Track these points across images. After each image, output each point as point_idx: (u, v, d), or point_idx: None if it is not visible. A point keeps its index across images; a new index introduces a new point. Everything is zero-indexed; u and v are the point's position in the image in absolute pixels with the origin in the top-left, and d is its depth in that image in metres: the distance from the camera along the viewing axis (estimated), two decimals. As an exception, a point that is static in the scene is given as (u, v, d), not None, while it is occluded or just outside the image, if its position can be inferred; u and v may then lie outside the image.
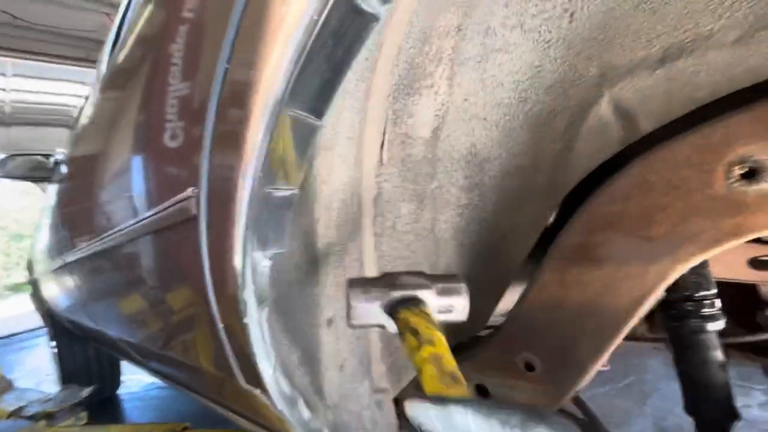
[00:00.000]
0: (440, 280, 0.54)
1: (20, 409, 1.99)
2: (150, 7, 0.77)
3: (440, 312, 0.52)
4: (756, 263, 0.75)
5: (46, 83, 6.04)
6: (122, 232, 0.74)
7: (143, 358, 1.28)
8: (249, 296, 0.42)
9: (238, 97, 0.37)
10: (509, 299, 0.83)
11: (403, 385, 0.77)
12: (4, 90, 5.85)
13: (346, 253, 0.62)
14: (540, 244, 0.73)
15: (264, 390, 0.52)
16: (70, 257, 1.23)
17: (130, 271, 0.80)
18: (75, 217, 1.24)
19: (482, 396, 0.80)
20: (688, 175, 0.51)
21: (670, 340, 0.73)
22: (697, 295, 0.69)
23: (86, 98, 1.48)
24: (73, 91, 6.10)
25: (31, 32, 5.13)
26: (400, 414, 0.82)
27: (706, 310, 0.69)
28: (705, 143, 0.50)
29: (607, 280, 0.60)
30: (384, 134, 0.64)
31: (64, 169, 1.53)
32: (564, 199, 0.68)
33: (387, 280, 0.53)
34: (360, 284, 0.52)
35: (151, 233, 0.63)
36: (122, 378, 2.64)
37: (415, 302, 0.51)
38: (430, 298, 0.52)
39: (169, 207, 0.52)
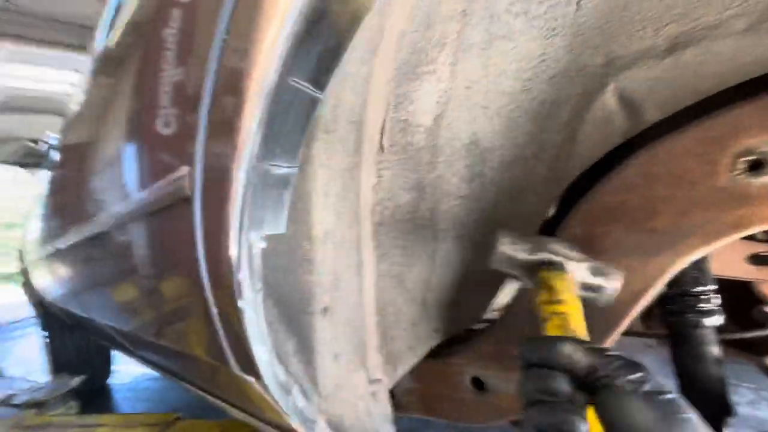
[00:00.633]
0: (593, 260, 0.55)
1: (9, 397, 1.97)
2: None
3: (584, 288, 0.53)
4: (756, 259, 0.75)
5: (41, 70, 5.94)
6: (114, 215, 0.72)
7: (135, 347, 1.26)
8: (244, 278, 0.41)
9: (235, 71, 0.35)
10: (507, 292, 0.82)
11: (399, 376, 0.77)
12: (-3, 76, 5.75)
13: (343, 241, 0.61)
14: (541, 235, 0.72)
15: (258, 377, 0.51)
16: (62, 244, 1.21)
17: (122, 256, 0.78)
18: (67, 203, 1.22)
19: (478, 389, 0.80)
20: (692, 166, 0.50)
21: (667, 334, 0.73)
22: (695, 290, 0.69)
23: (79, 85, 1.45)
24: (69, 79, 6.02)
25: (27, 18, 5.04)
26: (396, 405, 0.81)
27: (703, 306, 0.69)
28: (710, 135, 0.49)
29: (608, 272, 0.59)
30: (385, 120, 0.63)
31: (56, 156, 1.50)
32: (566, 191, 0.68)
33: (539, 242, 0.56)
34: (511, 235, 0.56)
35: (144, 216, 0.61)
36: (113, 368, 2.62)
37: (558, 267, 0.53)
38: (578, 270, 0.53)
39: (162, 188, 0.50)
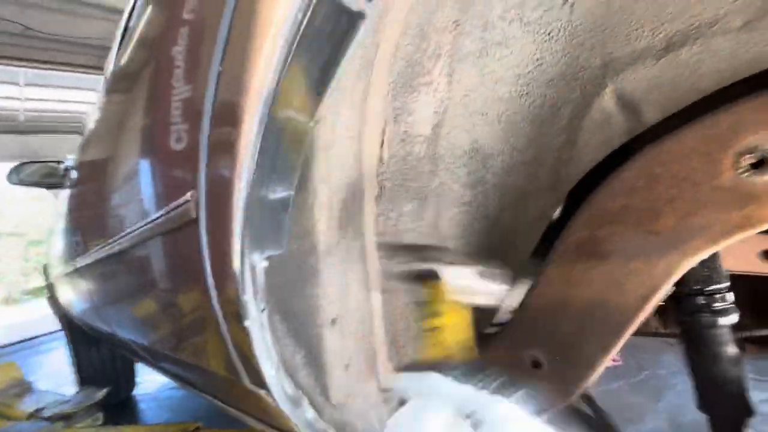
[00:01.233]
0: (478, 262, 0.54)
1: (39, 410, 2.04)
2: (150, 9, 0.78)
3: (471, 294, 0.53)
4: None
5: (58, 91, 6.16)
6: (128, 236, 0.75)
7: (155, 360, 1.30)
8: (249, 298, 0.43)
9: (230, 100, 0.37)
10: (515, 296, 0.82)
11: (410, 384, 0.77)
12: (18, 99, 5.99)
13: (348, 253, 0.62)
14: (545, 239, 0.72)
15: (268, 390, 0.53)
16: (81, 262, 1.25)
17: (139, 275, 0.81)
18: (85, 221, 1.27)
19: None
20: (695, 166, 0.50)
21: (681, 335, 0.72)
22: (708, 289, 0.67)
23: (95, 103, 1.51)
24: (85, 98, 6.23)
25: (43, 42, 5.24)
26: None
27: (717, 305, 0.67)
28: (711, 133, 0.48)
29: (614, 275, 0.58)
30: (384, 132, 0.64)
31: (74, 174, 1.56)
32: (569, 194, 0.67)
33: (417, 251, 0.55)
34: (390, 248, 0.54)
35: (155, 236, 0.63)
36: (138, 379, 2.69)
37: (435, 275, 0.52)
38: (462, 276, 0.53)
39: (171, 210, 0.52)
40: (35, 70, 5.51)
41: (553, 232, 0.71)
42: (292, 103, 0.36)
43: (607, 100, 0.57)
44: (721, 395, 0.65)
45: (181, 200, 0.48)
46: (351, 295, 0.64)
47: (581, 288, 0.63)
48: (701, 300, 0.67)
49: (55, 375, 3.29)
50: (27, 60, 5.29)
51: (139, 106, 0.77)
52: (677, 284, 0.63)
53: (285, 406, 0.53)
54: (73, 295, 1.81)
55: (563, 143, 0.63)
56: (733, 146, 0.47)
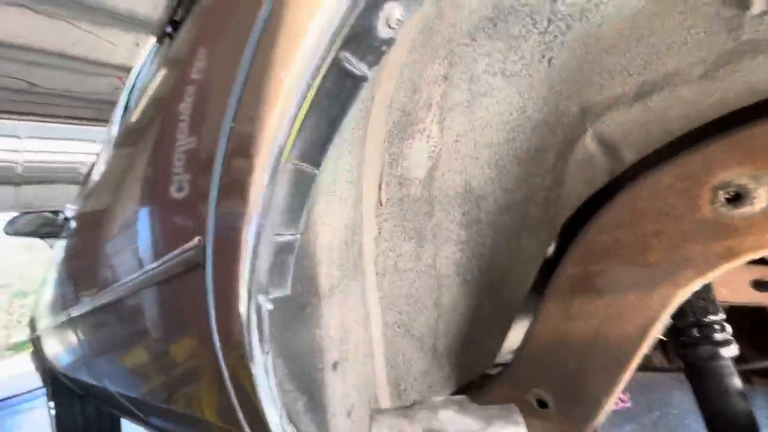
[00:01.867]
0: (493, 420, 0.44)
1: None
2: (163, 71, 0.83)
3: None
4: (760, 285, 0.75)
5: (58, 143, 6.29)
6: (128, 284, 0.75)
7: (145, 413, 1.23)
8: (254, 342, 0.43)
9: (242, 151, 0.40)
10: (517, 335, 0.82)
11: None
12: (17, 151, 6.09)
13: (349, 293, 0.63)
14: (542, 276, 0.73)
15: (270, 440, 0.51)
16: (75, 312, 1.23)
17: (135, 323, 0.80)
18: (81, 270, 1.26)
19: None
20: (675, 201, 0.53)
21: (684, 369, 0.72)
22: (705, 320, 0.68)
23: (97, 155, 1.55)
24: (83, 149, 6.36)
25: (47, 97, 5.44)
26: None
27: (717, 335, 0.68)
28: (687, 171, 0.52)
29: (610, 309, 0.60)
30: (381, 176, 0.67)
31: (72, 224, 1.56)
32: (561, 231, 0.70)
33: (424, 419, 0.44)
34: (389, 421, 0.44)
35: (157, 284, 0.64)
36: (122, 438, 2.52)
37: None
38: None
39: (175, 257, 0.54)
40: (36, 123, 5.66)
41: (550, 268, 0.72)
42: (300, 155, 0.39)
43: (588, 142, 0.62)
44: (731, 428, 0.64)
45: (187, 246, 0.49)
46: (352, 337, 0.64)
47: (580, 323, 0.63)
48: (699, 332, 0.68)
49: (33, 437, 3.07)
50: (29, 114, 5.46)
51: (142, 158, 0.80)
52: (674, 317, 0.64)
53: (287, 456, 0.52)
54: (62, 347, 1.75)
55: (551, 183, 0.66)
56: (708, 182, 0.51)
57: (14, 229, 2.11)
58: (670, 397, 2.10)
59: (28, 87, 5.14)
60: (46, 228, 2.04)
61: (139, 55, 1.43)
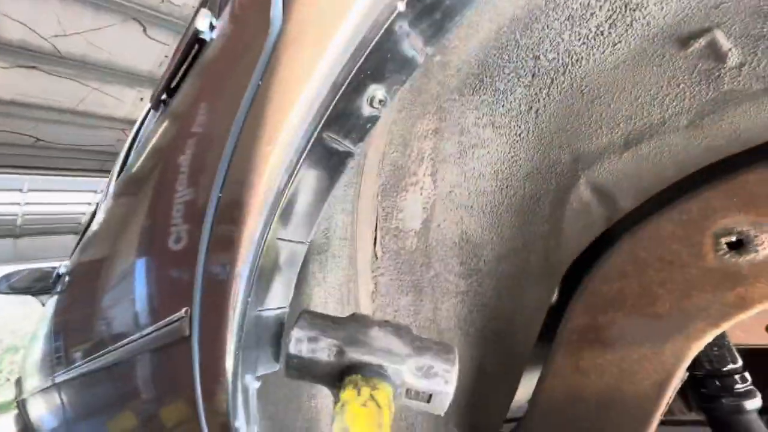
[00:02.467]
0: (425, 350, 0.41)
1: None
2: (166, 124, 0.84)
3: (409, 396, 0.40)
4: (775, 330, 0.72)
5: (59, 195, 6.37)
6: (116, 351, 0.71)
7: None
8: (240, 425, 0.40)
9: (228, 224, 0.39)
10: (527, 387, 0.77)
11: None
12: (18, 204, 6.15)
13: (346, 357, 0.60)
14: (549, 324, 0.70)
15: None
16: (60, 377, 1.17)
17: (122, 392, 0.75)
18: (70, 330, 1.21)
19: None
20: (678, 249, 0.51)
21: (708, 423, 0.67)
22: (724, 369, 0.65)
23: (97, 205, 1.55)
24: (84, 199, 6.42)
25: (51, 150, 5.57)
26: None
27: (739, 386, 0.64)
28: (686, 218, 0.51)
29: (623, 364, 0.56)
30: (376, 230, 0.66)
31: (66, 278, 1.53)
32: (565, 277, 0.68)
33: (351, 329, 0.40)
34: (312, 320, 0.39)
35: (144, 352, 0.61)
36: None
37: (372, 372, 0.38)
38: (401, 372, 0.39)
39: (162, 327, 0.51)
40: (39, 177, 5.76)
41: (556, 315, 0.69)
42: (286, 231, 0.38)
43: (582, 190, 0.61)
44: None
45: (175, 317, 0.47)
46: (351, 404, 0.60)
47: (593, 378, 0.60)
48: (719, 382, 0.64)
49: None
50: (33, 168, 5.57)
51: (142, 208, 0.79)
52: (690, 367, 0.60)
53: None
54: (46, 411, 1.65)
55: (549, 231, 0.65)
56: (709, 229, 0.49)
57: (9, 285, 2.07)
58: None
59: (33, 142, 5.28)
60: (41, 283, 2.00)
61: (142, 111, 1.47)
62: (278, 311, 0.41)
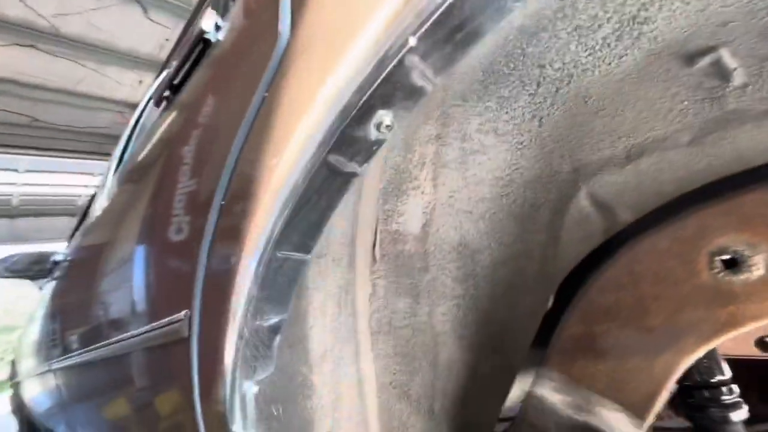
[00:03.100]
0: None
1: None
2: (168, 123, 0.83)
3: None
4: (763, 345, 0.73)
5: (55, 176, 6.32)
6: (113, 345, 0.72)
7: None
8: (238, 429, 0.40)
9: (230, 238, 0.39)
10: (519, 391, 0.79)
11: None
12: (14, 184, 6.11)
13: (341, 358, 0.60)
14: (543, 332, 0.71)
15: None
16: (56, 364, 1.18)
17: (120, 386, 0.76)
18: (67, 318, 1.22)
19: None
20: (673, 265, 0.52)
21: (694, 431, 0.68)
22: (712, 381, 0.66)
23: (97, 188, 1.54)
24: (81, 182, 6.38)
25: (48, 131, 5.51)
26: None
27: (726, 398, 0.65)
28: (682, 235, 0.52)
29: (615, 374, 0.57)
30: (376, 233, 0.66)
31: (64, 265, 1.54)
32: (561, 286, 0.69)
33: (585, 397, 0.44)
34: (549, 376, 0.44)
35: (143, 349, 0.61)
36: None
37: None
38: None
39: (162, 326, 0.52)
40: (35, 157, 5.71)
41: (551, 323, 0.70)
42: (289, 245, 0.39)
43: (582, 200, 0.62)
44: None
45: (174, 317, 0.47)
46: (345, 404, 0.61)
47: (584, 386, 0.61)
48: (709, 393, 0.66)
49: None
50: (30, 148, 5.52)
51: (145, 196, 0.78)
52: (680, 376, 0.61)
53: None
54: (40, 395, 1.67)
55: (547, 240, 0.66)
56: (704, 247, 0.50)
57: (6, 268, 2.08)
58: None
59: (29, 122, 5.22)
60: (38, 267, 2.01)
61: (141, 99, 1.46)
62: (278, 319, 0.42)
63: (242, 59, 0.43)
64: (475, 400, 0.77)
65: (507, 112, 0.63)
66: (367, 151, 0.37)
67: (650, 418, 0.57)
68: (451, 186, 0.68)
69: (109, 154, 1.81)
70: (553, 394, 0.50)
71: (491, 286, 0.72)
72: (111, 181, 1.20)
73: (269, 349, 0.42)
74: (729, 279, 0.48)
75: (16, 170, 5.88)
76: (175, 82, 0.64)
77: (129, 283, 0.70)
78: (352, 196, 0.57)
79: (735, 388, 0.66)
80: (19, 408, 2.40)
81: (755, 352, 0.79)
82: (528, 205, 0.67)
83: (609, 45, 0.55)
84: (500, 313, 0.72)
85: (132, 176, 0.95)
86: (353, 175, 0.38)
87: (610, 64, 0.56)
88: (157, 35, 4.53)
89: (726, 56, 0.48)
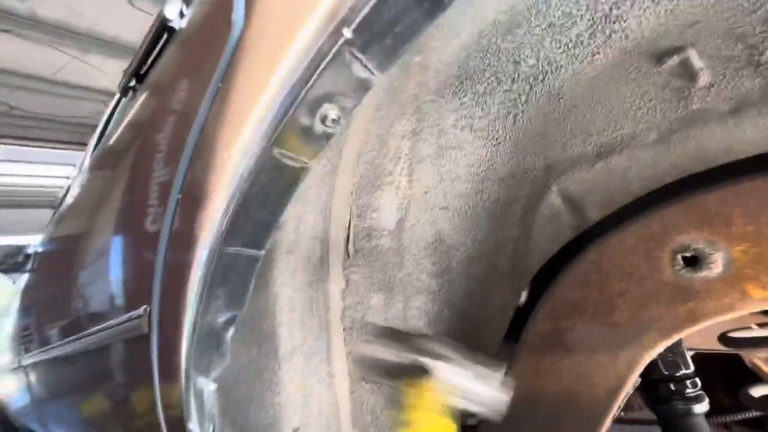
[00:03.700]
0: (479, 361, 0.48)
1: None
2: (132, 113, 0.81)
3: (466, 397, 0.45)
4: (726, 339, 0.75)
5: (33, 166, 6.13)
6: (81, 340, 0.70)
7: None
8: (194, 427, 0.40)
9: (185, 233, 0.38)
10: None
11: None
12: (-10, 174, 5.91)
13: (312, 354, 0.60)
14: (514, 326, 0.72)
15: None
16: (27, 360, 1.15)
17: (86, 383, 0.75)
18: (39, 312, 1.19)
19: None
20: (638, 262, 0.53)
21: (659, 424, 0.70)
22: (677, 374, 0.68)
23: (73, 179, 1.49)
24: (60, 173, 6.20)
25: (27, 120, 5.33)
26: None
27: (689, 391, 0.67)
28: (647, 232, 0.53)
29: (581, 368, 0.58)
30: (349, 228, 0.66)
31: (37, 258, 1.49)
32: (533, 282, 0.69)
33: (410, 340, 0.48)
34: (384, 332, 0.49)
35: (105, 346, 0.60)
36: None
37: (423, 372, 0.44)
38: (456, 375, 0.45)
39: (124, 322, 0.50)
40: (12, 147, 5.52)
41: (522, 318, 0.71)
42: (240, 241, 0.38)
43: (553, 198, 0.62)
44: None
45: (135, 313, 0.46)
46: (314, 400, 0.60)
47: (551, 381, 0.62)
48: (673, 387, 0.67)
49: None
50: (7, 137, 5.33)
51: (121, 184, 0.76)
52: (646, 370, 0.63)
53: None
54: (12, 390, 1.64)
55: (519, 235, 0.66)
56: (667, 245, 0.51)
57: (-24, 261, 2.01)
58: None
59: (7, 110, 5.04)
60: (11, 260, 1.95)
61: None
62: (231, 314, 0.41)
63: (200, 48, 0.42)
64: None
65: (482, 108, 0.63)
66: (314, 145, 0.36)
67: (613, 412, 0.59)
68: (426, 182, 0.68)
69: (88, 145, 1.76)
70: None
71: (465, 282, 0.72)
72: (84, 171, 1.17)
73: (223, 344, 0.41)
74: (690, 276, 0.49)
75: (-8, 160, 5.68)
76: (141, 72, 0.62)
77: (94, 277, 0.68)
78: (324, 190, 0.56)
79: (698, 381, 0.68)
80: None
81: (719, 346, 0.81)
82: (502, 201, 0.67)
83: (582, 43, 0.55)
84: (474, 307, 0.73)
85: (97, 167, 0.92)
86: (303, 170, 0.38)
87: (582, 61, 0.56)
88: (141, 23, 4.40)
89: (693, 56, 0.49)
